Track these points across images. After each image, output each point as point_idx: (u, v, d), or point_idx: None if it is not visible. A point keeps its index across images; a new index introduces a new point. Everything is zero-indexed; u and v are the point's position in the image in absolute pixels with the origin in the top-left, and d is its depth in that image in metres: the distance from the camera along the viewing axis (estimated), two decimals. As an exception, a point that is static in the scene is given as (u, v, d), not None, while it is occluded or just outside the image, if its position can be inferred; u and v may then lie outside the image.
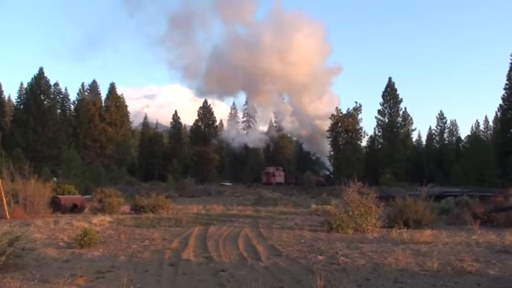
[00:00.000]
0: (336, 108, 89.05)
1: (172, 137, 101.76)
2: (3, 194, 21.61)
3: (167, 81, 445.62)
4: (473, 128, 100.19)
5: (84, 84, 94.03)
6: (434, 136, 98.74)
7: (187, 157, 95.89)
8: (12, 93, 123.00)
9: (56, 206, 25.36)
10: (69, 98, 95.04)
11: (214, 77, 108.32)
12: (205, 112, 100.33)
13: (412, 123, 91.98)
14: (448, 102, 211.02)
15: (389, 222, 19.15)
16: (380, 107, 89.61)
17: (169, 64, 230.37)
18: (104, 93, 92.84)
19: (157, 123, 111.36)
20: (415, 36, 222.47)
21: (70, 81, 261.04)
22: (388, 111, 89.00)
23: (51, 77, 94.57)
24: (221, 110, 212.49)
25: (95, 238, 13.35)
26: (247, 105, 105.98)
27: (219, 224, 21.24)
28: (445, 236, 16.45)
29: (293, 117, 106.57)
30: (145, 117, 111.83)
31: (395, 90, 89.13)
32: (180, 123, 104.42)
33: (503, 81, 77.25)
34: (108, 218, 21.47)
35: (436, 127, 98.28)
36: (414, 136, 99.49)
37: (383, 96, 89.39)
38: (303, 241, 15.03)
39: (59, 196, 27.16)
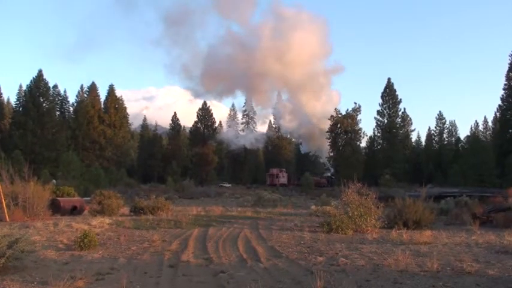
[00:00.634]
0: (335, 109, 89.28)
1: (172, 138, 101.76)
2: (2, 197, 21.58)
3: (165, 83, 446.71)
4: (473, 128, 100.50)
5: (83, 86, 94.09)
6: (433, 137, 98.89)
7: (187, 159, 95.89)
8: (11, 96, 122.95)
9: (55, 208, 25.32)
10: (68, 100, 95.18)
11: (212, 76, 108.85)
12: (205, 113, 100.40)
13: (411, 124, 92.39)
14: (447, 103, 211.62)
15: (388, 223, 19.16)
16: (379, 108, 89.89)
17: (167, 64, 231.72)
18: (102, 95, 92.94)
19: (156, 125, 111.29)
20: (414, 36, 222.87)
21: (69, 83, 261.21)
22: (387, 112, 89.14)
23: (50, 79, 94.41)
24: (220, 112, 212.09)
25: (94, 240, 13.32)
26: (246, 106, 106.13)
27: (219, 225, 21.23)
28: (444, 236, 16.44)
29: (292, 115, 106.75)
30: (145, 119, 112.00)
31: (395, 90, 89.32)
32: (179, 124, 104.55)
33: (502, 81, 77.50)
34: (107, 220, 21.45)
35: (435, 128, 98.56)
36: (413, 137, 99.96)
37: (382, 96, 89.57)
38: (302, 242, 15.01)
39: (59, 198, 27.13)
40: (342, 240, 15.47)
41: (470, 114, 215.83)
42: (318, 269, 9.30)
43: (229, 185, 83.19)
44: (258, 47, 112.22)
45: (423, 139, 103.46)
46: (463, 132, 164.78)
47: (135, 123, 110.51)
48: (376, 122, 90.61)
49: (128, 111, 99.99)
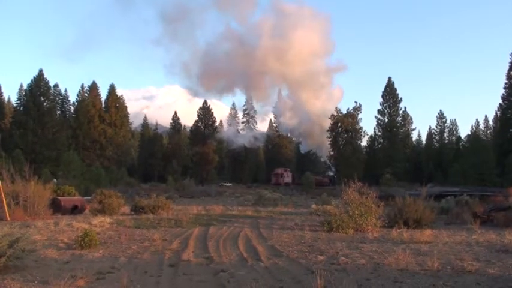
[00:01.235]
0: (336, 108, 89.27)
1: (172, 137, 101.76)
2: (3, 196, 21.60)
3: (166, 82, 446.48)
4: (473, 127, 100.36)
5: (84, 86, 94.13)
6: (434, 136, 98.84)
7: (187, 158, 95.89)
8: (12, 95, 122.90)
9: (56, 207, 25.34)
10: (69, 99, 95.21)
11: (211, 73, 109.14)
12: (205, 113, 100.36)
13: (412, 123, 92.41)
14: (448, 102, 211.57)
15: (389, 222, 19.17)
16: (380, 107, 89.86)
17: (167, 63, 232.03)
18: (103, 94, 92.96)
19: (157, 124, 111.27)
20: (415, 36, 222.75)
21: (69, 83, 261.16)
22: (388, 111, 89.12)
23: (51, 79, 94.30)
24: (221, 111, 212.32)
25: (95, 239, 13.33)
26: (247, 105, 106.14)
27: (219, 224, 21.25)
28: (445, 235, 16.44)
29: (292, 112, 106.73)
30: (145, 118, 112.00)
31: (395, 89, 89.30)
32: (179, 124, 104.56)
33: (503, 80, 77.43)
34: (108, 219, 21.47)
35: (436, 127, 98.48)
36: (414, 136, 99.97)
37: (383, 96, 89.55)
38: (303, 241, 15.02)
39: (59, 197, 27.15)
40: (342, 239, 15.48)
41: (471, 113, 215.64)
42: (319, 268, 9.30)
43: (230, 184, 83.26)
44: (258, 43, 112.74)
45: (424, 138, 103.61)
46: (464, 131, 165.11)
47: (135, 123, 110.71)
48: (377, 121, 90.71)
49: (129, 110, 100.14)
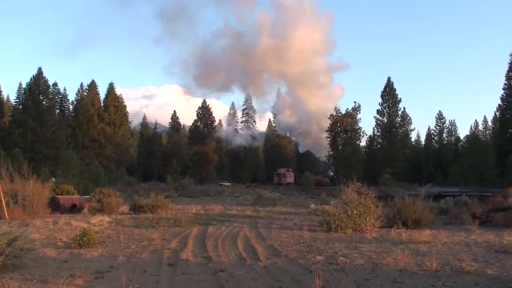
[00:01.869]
0: (335, 108, 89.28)
1: (171, 137, 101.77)
2: (1, 195, 21.59)
3: (165, 82, 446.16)
4: (472, 128, 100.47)
5: (83, 85, 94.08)
6: (433, 136, 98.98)
7: (187, 157, 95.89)
8: (10, 94, 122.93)
9: (54, 206, 25.32)
10: (68, 98, 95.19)
11: (209, 70, 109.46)
12: (204, 112, 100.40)
13: (411, 123, 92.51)
14: (447, 102, 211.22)
15: (388, 222, 19.16)
16: (379, 107, 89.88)
17: (166, 61, 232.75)
18: (102, 93, 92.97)
19: (156, 124, 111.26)
20: (414, 36, 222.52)
21: (68, 82, 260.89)
22: (387, 111, 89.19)
23: (50, 77, 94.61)
24: (220, 110, 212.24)
25: (93, 238, 13.33)
26: (246, 104, 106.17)
27: (218, 224, 21.25)
28: (443, 235, 16.45)
29: (291, 110, 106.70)
30: (144, 118, 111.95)
31: (394, 90, 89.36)
32: (179, 123, 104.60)
33: (502, 81, 77.51)
34: (107, 218, 21.44)
35: (435, 127, 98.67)
36: (413, 136, 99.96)
37: (382, 96, 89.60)
38: (302, 241, 15.03)
39: (58, 196, 27.12)
40: (341, 239, 15.48)
41: (470, 113, 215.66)
42: (317, 268, 9.30)
43: (229, 183, 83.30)
44: (258, 40, 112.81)
45: (423, 138, 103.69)
46: (463, 132, 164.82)
47: (134, 122, 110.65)
48: (376, 121, 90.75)
49: (128, 109, 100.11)
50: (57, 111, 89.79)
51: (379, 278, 9.12)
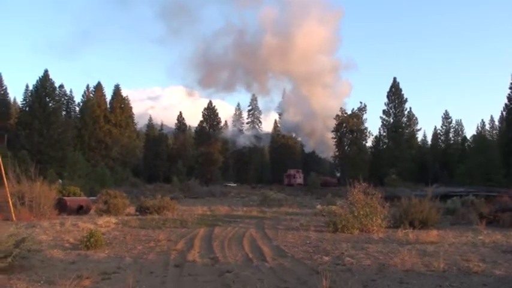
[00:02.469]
0: (341, 108, 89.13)
1: (177, 138, 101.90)
2: (9, 196, 21.70)
3: (170, 83, 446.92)
4: (479, 127, 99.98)
5: (89, 86, 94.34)
6: (439, 136, 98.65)
7: (192, 158, 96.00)
8: (17, 96, 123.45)
9: (61, 207, 25.44)
10: (74, 99, 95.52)
11: (213, 68, 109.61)
12: (210, 113, 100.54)
13: (417, 123, 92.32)
14: (454, 102, 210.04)
15: (394, 223, 19.12)
16: (385, 107, 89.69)
17: (170, 62, 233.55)
18: (108, 94, 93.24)
19: (162, 125, 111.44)
20: (420, 36, 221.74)
21: (74, 83, 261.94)
22: (393, 111, 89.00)
23: (56, 79, 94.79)
24: (226, 111, 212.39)
25: (100, 239, 13.35)
26: (252, 105, 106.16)
27: (224, 225, 21.24)
28: (451, 236, 16.39)
29: (296, 108, 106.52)
30: (150, 119, 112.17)
31: (400, 90, 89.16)
32: (184, 124, 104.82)
33: (509, 80, 77.25)
34: (113, 220, 21.51)
35: (441, 127, 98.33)
36: (419, 136, 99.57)
37: (388, 96, 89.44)
38: (308, 242, 15.01)
39: (65, 198, 27.26)
40: (347, 240, 15.45)
41: (476, 113, 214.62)
42: (324, 269, 9.29)
43: (235, 184, 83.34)
44: (261, 37, 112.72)
45: (429, 138, 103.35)
46: (470, 132, 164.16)
47: (140, 123, 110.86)
48: (382, 122, 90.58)
49: (133, 111, 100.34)
50: (64, 113, 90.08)
51: (386, 279, 9.10)
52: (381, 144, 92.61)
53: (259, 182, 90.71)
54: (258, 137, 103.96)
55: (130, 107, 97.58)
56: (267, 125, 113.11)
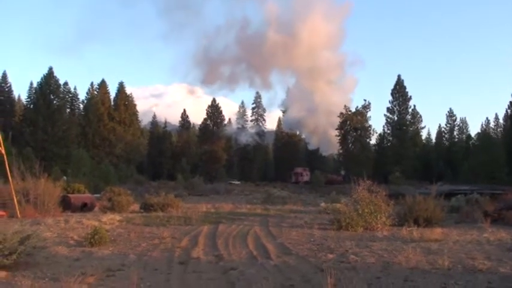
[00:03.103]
0: (345, 106, 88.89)
1: (181, 135, 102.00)
2: (13, 193, 21.76)
3: (173, 80, 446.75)
4: (483, 125, 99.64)
5: (93, 84, 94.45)
6: (443, 134, 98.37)
7: (196, 156, 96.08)
8: (22, 93, 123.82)
9: (66, 204, 25.48)
10: (78, 97, 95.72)
11: (216, 63, 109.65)
12: (214, 110, 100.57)
13: (422, 121, 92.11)
14: (458, 100, 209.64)
15: (399, 221, 19.02)
16: (389, 105, 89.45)
17: (173, 59, 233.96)
18: (112, 92, 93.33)
19: (165, 122, 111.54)
20: (425, 33, 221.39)
21: (78, 80, 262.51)
22: (397, 109, 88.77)
23: (60, 76, 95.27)
24: (229, 109, 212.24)
25: (104, 237, 13.38)
26: (256, 103, 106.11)
27: (228, 222, 21.24)
28: (455, 234, 16.35)
29: (300, 105, 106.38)
30: (154, 116, 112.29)
31: (405, 87, 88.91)
32: (188, 122, 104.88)
33: (514, 78, 76.80)
34: (117, 217, 21.55)
35: (446, 125, 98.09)
36: (423, 134, 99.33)
37: (392, 93, 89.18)
38: (312, 239, 15.00)
39: (69, 195, 27.30)
40: (351, 238, 15.43)
41: (481, 111, 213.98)
42: (328, 267, 9.27)
43: (239, 182, 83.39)
44: (265, 31, 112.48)
45: (433, 136, 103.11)
46: (474, 130, 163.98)
47: (144, 121, 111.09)
48: (386, 119, 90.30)
49: (137, 108, 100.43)
50: (68, 110, 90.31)
51: (391, 277, 9.08)
52: (385, 142, 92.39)
53: (263, 180, 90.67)
54: (260, 134, 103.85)
55: (135, 105, 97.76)
56: (270, 123, 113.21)
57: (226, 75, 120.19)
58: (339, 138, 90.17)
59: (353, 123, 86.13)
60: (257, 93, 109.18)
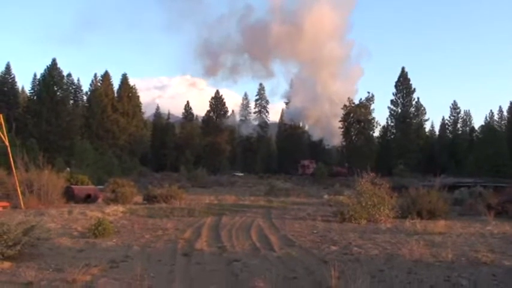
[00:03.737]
0: (348, 98, 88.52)
1: (184, 127, 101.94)
2: (17, 184, 21.83)
3: (177, 72, 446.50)
4: (487, 118, 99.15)
5: (97, 75, 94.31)
6: (447, 126, 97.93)
7: (199, 147, 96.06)
8: (25, 84, 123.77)
9: (69, 196, 25.56)
10: (82, 88, 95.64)
11: (217, 52, 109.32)
12: (217, 102, 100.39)
13: (425, 114, 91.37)
14: (462, 92, 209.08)
15: (402, 213, 19.03)
16: (393, 97, 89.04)
17: (176, 50, 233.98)
18: (116, 84, 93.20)
19: (169, 114, 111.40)
20: (429, 25, 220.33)
21: (82, 72, 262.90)
22: (401, 101, 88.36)
23: (64, 67, 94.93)
24: (233, 101, 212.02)
25: (108, 228, 13.41)
26: (259, 95, 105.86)
27: (232, 214, 21.27)
28: (459, 226, 16.34)
29: (304, 95, 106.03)
30: (158, 108, 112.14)
31: (409, 80, 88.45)
32: (192, 113, 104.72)
33: (518, 70, 76.39)
34: (121, 208, 21.61)
35: (450, 117, 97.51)
36: (427, 126, 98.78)
37: (396, 86, 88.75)
38: (315, 231, 15.00)
39: (73, 186, 27.37)
40: (355, 230, 15.44)
41: (485, 103, 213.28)
42: (332, 259, 9.29)
43: (242, 174, 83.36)
44: (270, 19, 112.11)
45: (437, 129, 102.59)
46: (478, 122, 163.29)
47: (147, 112, 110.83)
48: (390, 112, 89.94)
49: (141, 100, 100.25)
50: (71, 101, 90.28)
51: (394, 269, 9.07)
52: (388, 135, 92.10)
53: (266, 172, 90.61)
54: (263, 126, 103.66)
55: (138, 96, 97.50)
56: (274, 115, 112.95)
57: (229, 66, 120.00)
58: (342, 130, 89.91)
59: (357, 115, 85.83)
60: (260, 85, 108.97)
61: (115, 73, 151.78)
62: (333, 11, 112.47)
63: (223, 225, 16.73)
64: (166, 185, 30.20)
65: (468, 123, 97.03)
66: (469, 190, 29.42)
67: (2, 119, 23.45)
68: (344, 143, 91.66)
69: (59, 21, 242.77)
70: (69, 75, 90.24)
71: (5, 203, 21.29)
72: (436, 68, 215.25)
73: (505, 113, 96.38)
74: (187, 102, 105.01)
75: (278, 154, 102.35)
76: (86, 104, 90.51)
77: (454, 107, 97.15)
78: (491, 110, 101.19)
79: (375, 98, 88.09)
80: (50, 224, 14.94)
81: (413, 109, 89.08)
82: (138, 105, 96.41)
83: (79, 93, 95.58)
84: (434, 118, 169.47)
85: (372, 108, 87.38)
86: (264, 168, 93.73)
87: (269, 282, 7.67)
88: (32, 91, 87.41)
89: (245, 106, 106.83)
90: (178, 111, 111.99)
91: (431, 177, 44.85)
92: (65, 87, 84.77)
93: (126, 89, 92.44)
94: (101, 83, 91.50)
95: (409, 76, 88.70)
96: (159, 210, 21.84)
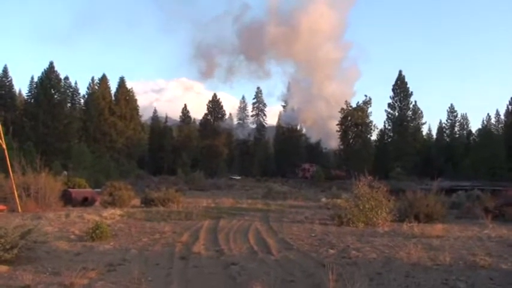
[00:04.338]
0: (345, 101, 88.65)
1: (182, 130, 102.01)
2: (14, 187, 21.77)
3: (174, 76, 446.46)
4: (484, 121, 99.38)
5: (94, 78, 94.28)
6: (444, 130, 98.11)
7: (197, 150, 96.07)
8: (22, 87, 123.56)
9: (67, 199, 25.52)
10: (79, 91, 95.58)
11: (213, 53, 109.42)
12: (215, 105, 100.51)
13: (422, 117, 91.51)
14: (459, 96, 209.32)
15: (399, 216, 19.04)
16: (390, 101, 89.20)
17: (171, 53, 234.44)
18: (113, 87, 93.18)
19: (166, 117, 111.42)
20: (426, 29, 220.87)
21: (79, 75, 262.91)
22: (398, 105, 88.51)
23: (61, 70, 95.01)
24: (230, 104, 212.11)
25: (106, 231, 13.38)
26: (256, 98, 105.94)
27: (229, 217, 21.26)
28: (456, 230, 16.36)
29: (301, 95, 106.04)
30: (155, 111, 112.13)
31: (406, 83, 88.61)
32: (189, 117, 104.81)
33: (515, 74, 76.66)
34: (118, 211, 21.56)
35: (447, 121, 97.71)
36: (424, 130, 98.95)
37: (393, 89, 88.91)
38: (313, 235, 15.01)
39: (70, 189, 27.32)
40: (353, 233, 15.45)
41: (482, 107, 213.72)
42: (330, 262, 9.27)
43: (239, 177, 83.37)
44: (266, 20, 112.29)
45: (434, 132, 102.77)
46: (475, 126, 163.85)
47: (145, 116, 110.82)
48: (387, 115, 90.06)
49: (138, 103, 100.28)
50: (69, 105, 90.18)
51: (392, 272, 9.08)
52: (385, 138, 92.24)
53: (264, 175, 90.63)
54: (259, 129, 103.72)
55: (135, 99, 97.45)
56: (271, 118, 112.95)
57: (225, 66, 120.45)
58: (339, 133, 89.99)
59: (354, 118, 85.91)
60: (258, 88, 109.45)
61: (112, 76, 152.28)
62: (330, 12, 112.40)
63: (220, 228, 16.71)
64: (164, 188, 30.18)
65: (465, 126, 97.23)
66: (467, 193, 29.50)
67: (-1, 122, 23.42)
68: (341, 146, 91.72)
69: (56, 24, 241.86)
70: (66, 78, 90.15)
71: (2, 207, 21.24)
72: (433, 71, 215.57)
73: (502, 117, 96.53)
74: (185, 105, 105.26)
75: (276, 157, 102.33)
76: (83, 107, 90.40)
77: (451, 111, 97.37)
78: (488, 114, 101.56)
79: (372, 101, 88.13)
80: (47, 228, 14.89)
81: (410, 112, 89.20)
82: (135, 108, 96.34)
83: (76, 96, 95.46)
84: (432, 121, 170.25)
85: (369, 111, 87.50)
86: (261, 172, 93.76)
87: (267, 286, 7.67)
88: (29, 94, 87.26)
89: (242, 109, 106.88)
90: (175, 114, 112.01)
91: (428, 181, 44.98)
92: (62, 90, 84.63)
93: (124, 92, 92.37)
94: (98, 86, 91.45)
95: (406, 79, 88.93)
96: (157, 213, 21.81)
